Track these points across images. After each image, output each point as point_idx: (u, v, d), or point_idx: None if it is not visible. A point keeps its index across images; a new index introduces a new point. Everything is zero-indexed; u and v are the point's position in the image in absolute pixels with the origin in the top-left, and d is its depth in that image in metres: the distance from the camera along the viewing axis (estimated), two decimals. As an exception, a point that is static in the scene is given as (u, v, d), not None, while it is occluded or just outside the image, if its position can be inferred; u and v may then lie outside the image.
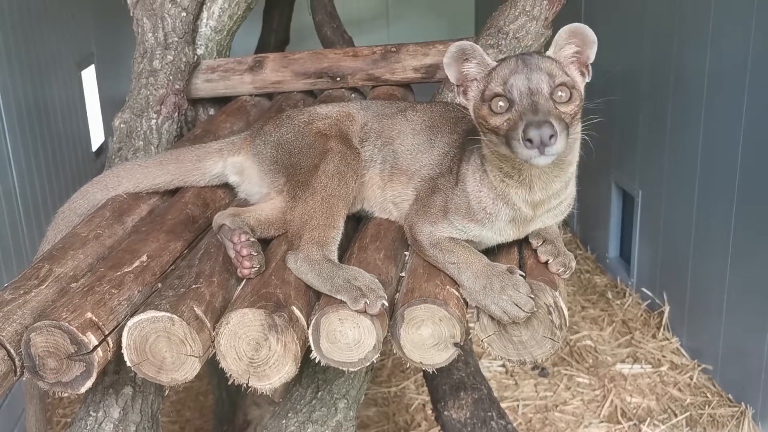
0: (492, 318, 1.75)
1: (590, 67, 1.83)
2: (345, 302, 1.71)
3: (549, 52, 1.80)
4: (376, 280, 1.78)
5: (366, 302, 1.69)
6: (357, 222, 2.21)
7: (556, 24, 2.85)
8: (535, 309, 1.72)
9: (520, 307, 1.70)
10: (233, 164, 2.29)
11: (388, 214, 2.14)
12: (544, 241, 1.91)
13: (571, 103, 1.72)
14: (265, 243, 2.06)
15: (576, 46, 1.79)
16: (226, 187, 2.36)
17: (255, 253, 1.89)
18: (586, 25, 1.77)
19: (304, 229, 1.93)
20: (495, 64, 1.79)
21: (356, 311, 1.69)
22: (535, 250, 1.91)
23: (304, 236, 1.91)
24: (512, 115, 1.70)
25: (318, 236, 1.91)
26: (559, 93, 1.71)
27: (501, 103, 1.72)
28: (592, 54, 1.81)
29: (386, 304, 1.72)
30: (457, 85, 1.85)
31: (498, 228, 1.90)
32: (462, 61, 1.82)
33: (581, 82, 1.81)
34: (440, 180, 2.00)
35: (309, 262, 1.85)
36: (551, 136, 1.62)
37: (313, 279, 1.82)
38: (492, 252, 1.97)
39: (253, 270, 1.87)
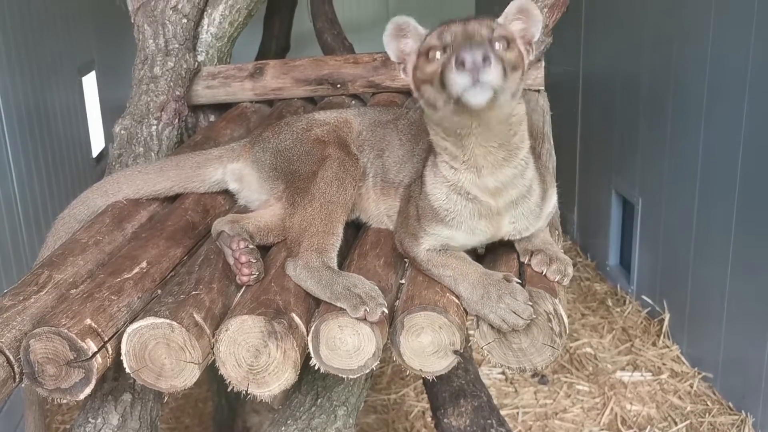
0: (492, 326, 1.74)
1: (533, 45, 1.80)
2: (345, 309, 1.71)
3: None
4: (376, 288, 1.78)
5: (366, 310, 1.68)
6: (357, 229, 2.21)
7: (556, 31, 2.87)
8: (534, 316, 1.71)
9: (518, 315, 1.69)
10: (233, 171, 2.29)
11: (386, 226, 2.14)
12: (532, 254, 1.89)
13: (510, 52, 1.67)
14: (264, 249, 2.06)
15: (523, 23, 1.77)
16: (226, 193, 2.36)
17: (254, 260, 1.88)
18: (534, 3, 1.76)
19: (303, 236, 1.93)
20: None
21: (356, 319, 1.69)
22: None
23: (303, 243, 1.91)
24: (447, 55, 1.65)
25: (317, 243, 1.91)
26: (497, 44, 1.66)
27: (438, 54, 1.67)
28: (536, 32, 1.77)
29: (386, 311, 1.72)
30: (398, 63, 1.82)
31: (469, 226, 1.84)
32: (400, 37, 1.79)
33: (525, 55, 1.76)
34: (413, 187, 1.98)
35: (308, 270, 1.84)
36: (485, 59, 1.54)
37: (313, 286, 1.82)
38: (492, 261, 1.96)
39: (252, 277, 1.87)
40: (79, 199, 2.34)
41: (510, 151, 1.78)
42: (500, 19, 1.76)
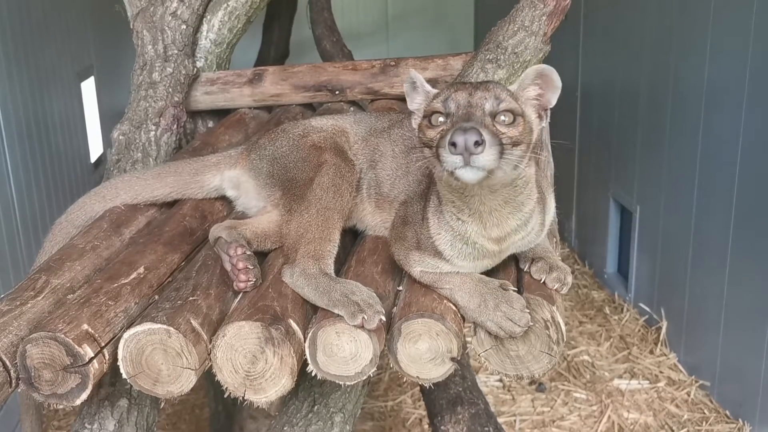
0: (489, 333, 1.74)
1: (549, 112, 1.77)
2: (342, 316, 1.71)
3: (512, 88, 1.74)
4: (374, 295, 1.78)
5: (364, 317, 1.68)
6: (355, 235, 2.21)
7: (555, 39, 2.87)
8: (531, 323, 1.71)
9: (514, 323, 1.70)
10: (230, 178, 2.29)
11: (383, 234, 2.13)
12: (532, 261, 1.89)
13: (514, 128, 1.65)
14: (262, 256, 2.06)
15: (540, 89, 1.73)
16: (224, 199, 2.36)
17: (251, 267, 1.88)
18: (554, 69, 1.72)
19: (299, 243, 1.93)
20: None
21: (354, 326, 1.69)
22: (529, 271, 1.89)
23: (300, 250, 1.91)
24: (446, 126, 1.65)
25: (314, 250, 1.91)
26: (503, 117, 1.64)
27: (440, 119, 1.67)
28: (553, 99, 1.74)
29: (384, 318, 1.72)
30: (411, 114, 1.81)
31: (469, 266, 1.84)
32: (414, 90, 1.78)
33: (536, 123, 1.75)
34: (410, 210, 1.97)
35: (305, 277, 1.84)
36: (477, 143, 1.54)
37: (310, 293, 1.82)
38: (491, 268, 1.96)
39: (249, 283, 1.87)
40: (77, 205, 2.34)
41: (515, 206, 1.77)
42: (515, 86, 1.74)
